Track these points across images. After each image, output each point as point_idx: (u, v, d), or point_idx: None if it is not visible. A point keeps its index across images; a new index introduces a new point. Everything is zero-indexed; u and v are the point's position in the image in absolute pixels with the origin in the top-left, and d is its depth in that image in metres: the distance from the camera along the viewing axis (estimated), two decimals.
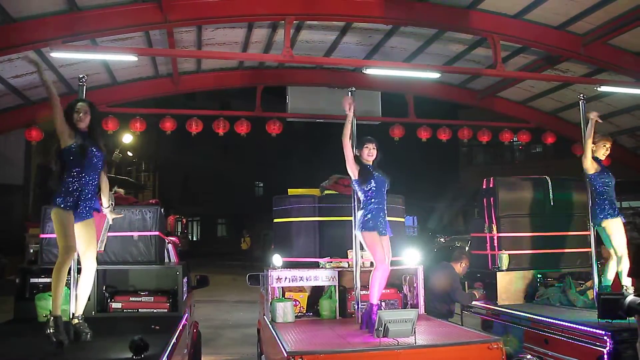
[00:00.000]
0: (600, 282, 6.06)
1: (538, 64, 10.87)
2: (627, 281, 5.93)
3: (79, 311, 4.49)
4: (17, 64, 9.50)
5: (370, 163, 5.42)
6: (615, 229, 5.95)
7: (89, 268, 4.55)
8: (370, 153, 5.40)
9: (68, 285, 4.70)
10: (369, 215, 5.20)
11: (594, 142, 6.07)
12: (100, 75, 10.97)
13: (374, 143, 5.44)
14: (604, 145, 6.06)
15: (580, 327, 5.08)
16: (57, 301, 4.21)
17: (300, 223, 6.37)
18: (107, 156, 4.68)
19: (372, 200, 5.24)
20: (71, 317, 4.50)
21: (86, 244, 4.52)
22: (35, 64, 4.73)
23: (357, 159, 5.38)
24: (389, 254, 5.25)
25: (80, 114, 4.53)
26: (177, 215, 29.65)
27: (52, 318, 4.13)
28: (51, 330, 4.07)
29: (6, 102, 10.95)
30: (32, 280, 5.51)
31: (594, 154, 6.06)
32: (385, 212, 5.31)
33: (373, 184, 5.26)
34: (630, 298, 4.64)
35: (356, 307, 5.42)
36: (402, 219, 6.77)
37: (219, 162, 36.94)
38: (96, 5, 8.38)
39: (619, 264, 5.96)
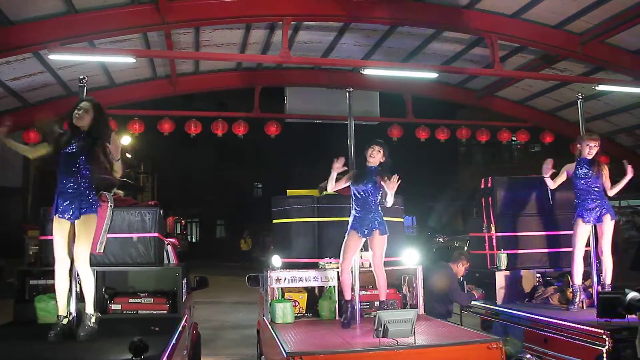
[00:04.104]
0: (598, 280, 6.10)
1: (536, 63, 10.89)
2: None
3: (86, 309, 4.49)
4: (16, 67, 9.51)
5: (373, 165, 5.45)
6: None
7: (80, 271, 4.51)
8: (372, 155, 5.45)
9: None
10: (351, 218, 5.44)
11: (578, 143, 6.20)
12: (99, 77, 10.98)
13: (378, 146, 5.49)
14: (587, 145, 6.07)
15: (579, 326, 5.08)
16: (58, 303, 4.47)
17: (299, 224, 6.36)
18: (99, 156, 4.48)
19: (354, 205, 5.44)
20: (71, 316, 4.53)
21: (75, 247, 4.49)
22: None
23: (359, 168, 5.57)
24: (375, 252, 5.40)
25: (80, 111, 4.49)
26: (176, 217, 29.60)
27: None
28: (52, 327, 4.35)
29: (4, 104, 10.96)
30: (32, 282, 5.51)
31: (581, 155, 6.12)
32: (371, 214, 5.37)
33: (354, 191, 5.43)
34: (632, 295, 4.57)
35: (356, 307, 5.42)
36: (401, 219, 6.77)
37: (217, 163, 36.90)
38: (94, 7, 8.39)
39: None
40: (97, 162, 4.48)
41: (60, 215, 4.45)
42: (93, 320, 4.44)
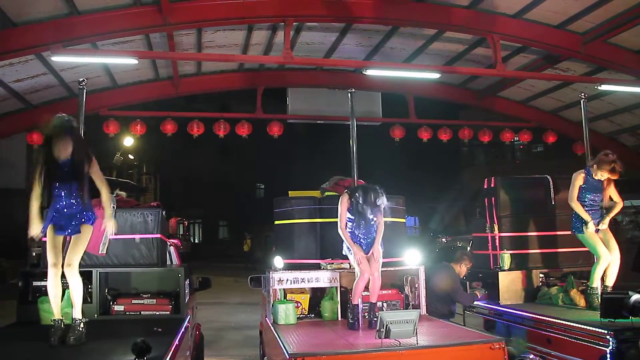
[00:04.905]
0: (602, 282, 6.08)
1: (538, 64, 10.87)
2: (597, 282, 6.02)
3: (75, 314, 4.52)
4: (18, 68, 9.53)
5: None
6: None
7: (70, 278, 4.54)
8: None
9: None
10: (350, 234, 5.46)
11: (596, 164, 6.00)
12: (101, 79, 11.00)
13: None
14: (602, 175, 5.96)
15: (582, 326, 5.07)
16: (52, 307, 4.50)
17: (301, 225, 6.36)
18: (85, 172, 4.49)
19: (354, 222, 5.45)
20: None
21: (69, 254, 4.52)
22: None
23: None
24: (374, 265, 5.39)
25: (60, 147, 4.36)
26: (179, 218, 29.65)
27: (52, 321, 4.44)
28: (50, 332, 4.33)
29: (8, 106, 10.99)
30: (35, 283, 5.52)
31: (594, 175, 6.03)
32: (372, 232, 5.43)
33: (357, 211, 5.40)
34: (635, 297, 4.59)
35: (359, 308, 5.42)
36: (403, 220, 6.77)
37: (220, 164, 36.93)
38: (96, 9, 8.40)
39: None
40: (87, 183, 4.52)
41: (58, 232, 4.47)
42: (82, 325, 4.46)
